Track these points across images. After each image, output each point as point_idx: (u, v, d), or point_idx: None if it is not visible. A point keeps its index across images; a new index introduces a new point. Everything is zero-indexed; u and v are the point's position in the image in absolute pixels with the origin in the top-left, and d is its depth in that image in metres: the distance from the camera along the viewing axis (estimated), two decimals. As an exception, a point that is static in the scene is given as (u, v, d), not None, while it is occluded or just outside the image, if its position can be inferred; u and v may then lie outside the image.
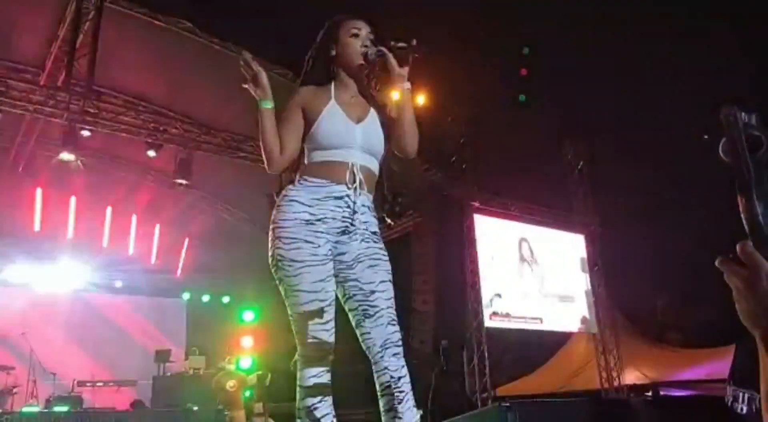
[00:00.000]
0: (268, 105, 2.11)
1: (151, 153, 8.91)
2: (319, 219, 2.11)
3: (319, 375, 2.04)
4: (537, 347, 11.75)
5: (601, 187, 11.43)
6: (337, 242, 2.14)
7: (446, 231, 10.51)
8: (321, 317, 2.03)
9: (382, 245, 2.25)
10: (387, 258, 2.23)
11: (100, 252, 11.66)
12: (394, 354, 2.11)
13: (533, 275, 10.52)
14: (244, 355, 10.84)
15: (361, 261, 2.17)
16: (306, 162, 2.20)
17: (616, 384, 10.93)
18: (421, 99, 8.57)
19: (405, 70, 2.17)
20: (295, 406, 2.09)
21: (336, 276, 2.14)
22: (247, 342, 11.51)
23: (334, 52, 2.25)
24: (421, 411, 2.31)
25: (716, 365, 8.97)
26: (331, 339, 2.06)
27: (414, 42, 2.16)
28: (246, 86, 2.11)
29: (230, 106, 9.33)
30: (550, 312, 10.45)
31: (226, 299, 12.90)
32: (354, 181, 2.15)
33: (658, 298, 12.88)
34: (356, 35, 2.23)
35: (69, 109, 7.85)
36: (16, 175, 10.07)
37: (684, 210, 9.97)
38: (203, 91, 9.71)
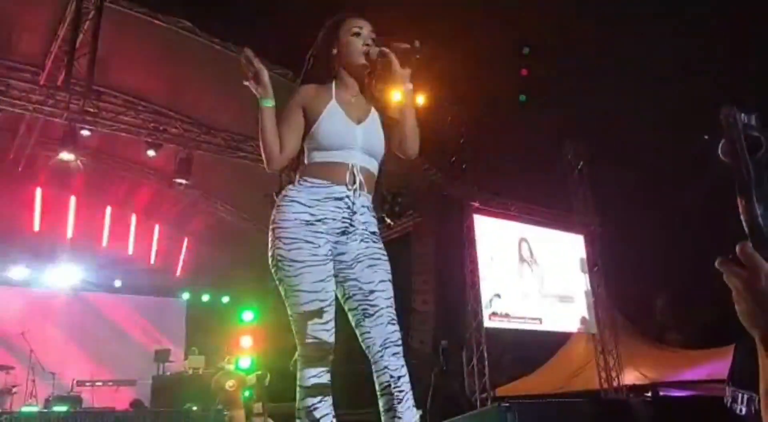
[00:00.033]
0: (269, 103, 2.10)
1: (151, 152, 8.91)
2: (319, 220, 2.10)
3: (319, 375, 2.04)
4: (536, 347, 11.74)
5: (601, 187, 11.44)
6: (336, 242, 2.14)
7: (446, 231, 10.51)
8: (321, 317, 2.03)
9: (381, 245, 2.24)
10: (386, 258, 2.23)
11: (99, 252, 11.68)
12: (394, 354, 2.11)
13: (533, 275, 10.52)
14: (244, 355, 10.84)
15: (360, 261, 2.17)
16: (306, 162, 2.20)
17: (615, 384, 10.93)
18: (421, 99, 8.57)
19: (407, 71, 2.16)
20: (295, 406, 2.08)
21: (336, 276, 2.14)
22: (247, 342, 11.51)
23: (335, 51, 2.24)
24: (420, 411, 2.31)
25: (715, 365, 8.97)
26: (331, 339, 2.06)
27: (417, 43, 2.15)
28: (247, 84, 2.10)
29: (230, 105, 9.34)
30: (550, 312, 10.45)
31: (225, 299, 12.91)
32: (354, 183, 2.14)
33: (657, 299, 12.88)
34: (358, 34, 2.22)
35: (69, 109, 7.86)
36: (15, 175, 10.07)
37: (684, 210, 9.97)
38: (203, 91, 9.71)
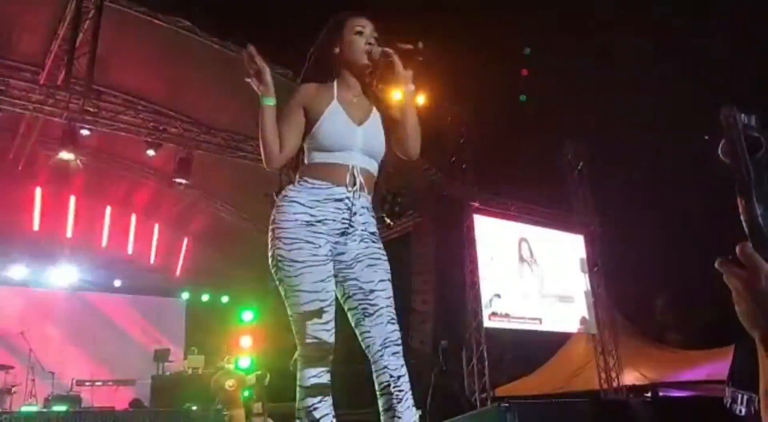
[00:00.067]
0: (270, 102, 2.09)
1: (151, 152, 8.90)
2: (319, 221, 2.10)
3: (319, 375, 2.04)
4: (536, 347, 11.75)
5: (601, 187, 11.45)
6: (336, 243, 2.14)
7: (446, 231, 10.51)
8: (322, 317, 2.03)
9: (380, 245, 2.24)
10: (386, 257, 2.23)
11: (99, 252, 11.67)
12: (394, 353, 2.11)
13: (533, 275, 10.52)
14: (243, 355, 10.83)
15: (360, 261, 2.17)
16: (306, 162, 2.19)
17: (615, 384, 10.93)
18: (421, 99, 8.57)
19: (409, 72, 2.15)
20: (295, 406, 2.08)
21: (335, 276, 2.14)
22: (246, 341, 11.51)
23: (337, 50, 2.22)
24: (420, 412, 2.30)
25: (715, 366, 8.98)
26: (332, 339, 2.06)
27: (420, 44, 2.13)
28: (248, 80, 2.08)
29: (230, 105, 9.33)
30: (550, 312, 10.45)
31: (225, 299, 12.90)
32: (354, 184, 2.14)
33: (657, 299, 12.89)
34: (360, 33, 2.21)
35: (68, 108, 7.85)
36: (15, 174, 10.06)
37: (683, 211, 9.98)
38: (203, 91, 9.71)
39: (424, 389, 6.99)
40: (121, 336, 11.54)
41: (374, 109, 2.26)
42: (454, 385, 9.20)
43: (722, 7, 7.40)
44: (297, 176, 2.20)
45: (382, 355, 2.09)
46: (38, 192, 10.95)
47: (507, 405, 4.00)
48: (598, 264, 11.48)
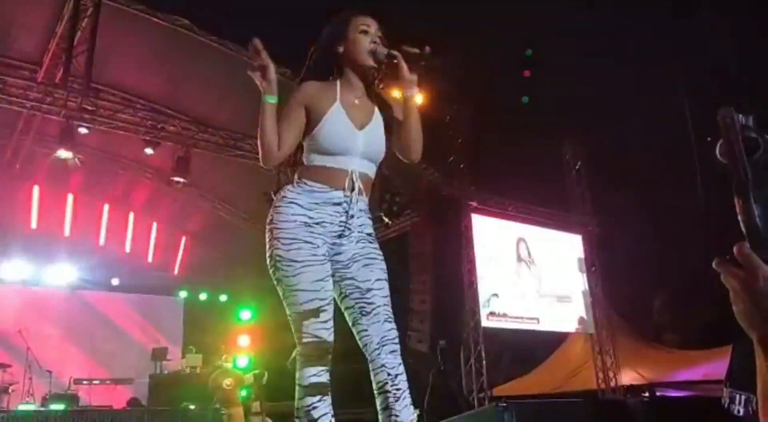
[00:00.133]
0: (272, 100, 2.06)
1: (149, 150, 8.89)
2: (317, 223, 2.11)
3: (318, 374, 2.04)
4: (534, 347, 11.77)
5: (599, 187, 11.46)
6: (333, 244, 2.15)
7: (444, 231, 10.52)
8: (321, 316, 2.03)
9: (377, 245, 2.25)
10: (382, 257, 2.24)
11: (96, 250, 11.66)
12: (392, 352, 2.11)
13: (531, 275, 10.53)
14: (241, 354, 10.84)
15: (357, 261, 2.18)
16: (305, 162, 2.19)
17: (612, 384, 10.95)
18: (420, 98, 8.57)
19: (414, 76, 2.12)
20: (293, 405, 2.08)
21: (332, 275, 2.14)
22: (244, 340, 11.51)
23: (341, 49, 2.19)
24: (417, 411, 2.30)
25: (713, 366, 9.00)
26: (331, 337, 2.06)
27: (427, 49, 2.10)
28: (251, 74, 2.05)
29: (228, 103, 9.34)
30: (548, 312, 10.46)
31: (223, 297, 12.89)
32: (353, 189, 2.14)
33: (655, 299, 12.90)
34: (365, 32, 2.18)
35: (66, 106, 7.84)
36: (12, 173, 10.04)
37: (681, 211, 9.99)
38: (201, 89, 9.71)
39: (422, 389, 6.99)
40: (119, 335, 11.52)
41: (376, 111, 2.24)
42: (452, 385, 9.20)
43: (722, 6, 7.41)
44: (296, 177, 2.19)
45: (379, 354, 2.10)
46: (36, 190, 10.93)
47: (505, 404, 4.00)
48: (595, 264, 11.50)
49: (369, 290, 2.15)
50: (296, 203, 2.11)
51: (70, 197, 11.33)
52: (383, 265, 2.22)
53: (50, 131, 8.82)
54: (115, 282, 11.82)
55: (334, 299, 2.14)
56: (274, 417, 8.29)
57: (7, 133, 9.44)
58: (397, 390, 2.07)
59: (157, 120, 8.92)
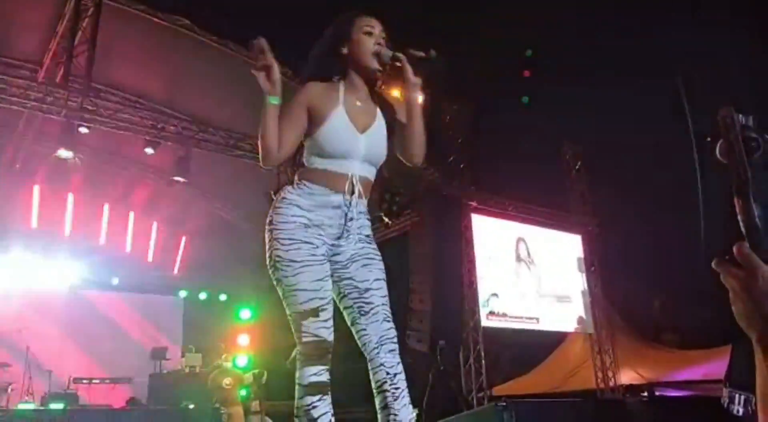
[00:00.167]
0: (275, 101, 2.05)
1: (149, 150, 8.89)
2: (316, 225, 2.12)
3: (318, 373, 2.04)
4: (533, 347, 11.75)
5: (599, 187, 11.45)
6: (332, 245, 2.16)
7: (444, 230, 10.52)
8: (321, 315, 2.04)
9: (375, 246, 2.26)
10: (380, 258, 2.24)
11: (97, 249, 11.65)
12: (390, 351, 2.12)
13: (530, 275, 10.53)
14: (241, 353, 10.83)
15: (355, 261, 2.18)
16: (305, 164, 2.18)
17: (612, 384, 10.95)
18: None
19: (418, 80, 2.11)
20: (293, 404, 2.08)
21: (331, 275, 2.14)
22: (244, 340, 11.49)
23: (345, 50, 2.18)
24: (417, 410, 2.30)
25: (712, 366, 9.00)
26: (331, 337, 2.06)
27: (433, 53, 2.09)
28: (254, 73, 2.03)
29: (229, 103, 9.33)
30: (547, 312, 10.46)
31: (223, 297, 12.88)
32: (353, 193, 2.14)
33: (654, 299, 12.89)
34: (369, 33, 2.16)
35: (67, 106, 7.83)
36: (13, 172, 10.04)
37: (681, 210, 9.99)
38: (202, 89, 9.70)
39: (422, 388, 7.00)
40: (119, 334, 11.52)
41: (378, 113, 2.23)
42: (452, 384, 9.21)
43: (722, 6, 7.41)
44: (296, 177, 2.20)
45: (378, 353, 2.10)
46: (36, 189, 10.93)
47: (504, 404, 4.01)
48: (595, 264, 11.50)
49: (367, 290, 2.16)
50: (296, 205, 2.11)
51: (70, 196, 11.33)
52: (381, 265, 2.23)
53: (51, 131, 8.81)
54: (115, 281, 11.82)
55: (334, 299, 2.15)
56: (274, 416, 8.29)
57: (7, 133, 9.44)
58: (396, 389, 2.08)
59: (158, 120, 8.91)
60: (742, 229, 0.85)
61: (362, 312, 2.14)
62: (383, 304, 2.17)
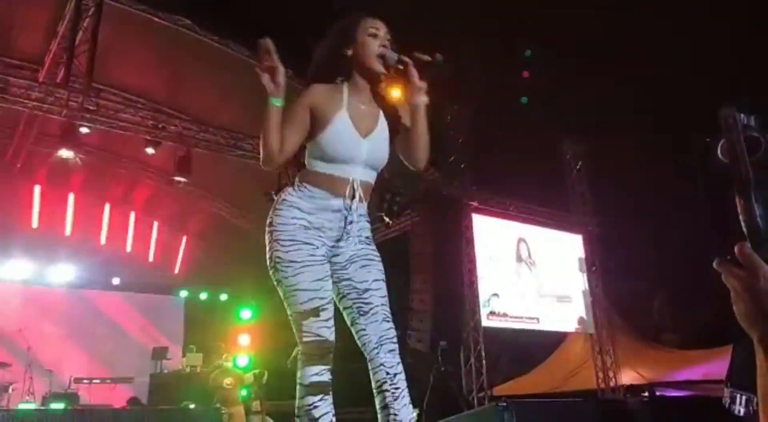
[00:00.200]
0: (279, 103, 2.03)
1: (150, 150, 8.89)
2: (316, 228, 2.12)
3: (320, 373, 2.04)
4: (534, 347, 11.76)
5: (600, 187, 11.45)
6: (332, 246, 2.16)
7: (444, 230, 10.51)
8: (322, 315, 2.04)
9: (374, 247, 2.26)
10: (379, 259, 2.25)
11: (98, 249, 11.66)
12: (390, 351, 2.12)
13: (531, 275, 10.53)
14: (242, 353, 10.83)
15: (354, 262, 2.18)
16: (307, 166, 2.18)
17: (612, 384, 10.94)
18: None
19: (424, 84, 2.09)
20: (294, 404, 2.08)
21: (330, 276, 2.14)
22: (245, 339, 11.50)
23: (350, 52, 2.15)
24: (417, 410, 2.30)
25: (713, 366, 8.99)
26: (332, 336, 2.06)
27: (438, 57, 2.07)
28: (258, 72, 2.01)
29: (230, 103, 9.34)
30: (548, 312, 10.46)
31: (223, 297, 12.89)
32: (353, 197, 2.14)
33: (655, 299, 12.90)
34: (374, 35, 2.14)
35: (68, 106, 7.83)
36: (14, 172, 10.05)
37: (682, 211, 10.00)
38: (202, 89, 9.71)
39: (422, 388, 6.99)
40: (120, 334, 11.53)
41: (381, 117, 2.21)
42: (452, 384, 9.21)
43: (722, 6, 7.41)
44: (296, 179, 2.19)
45: (378, 353, 2.10)
46: (37, 189, 10.94)
47: (505, 404, 4.00)
48: (596, 264, 11.49)
49: (366, 290, 2.16)
50: (296, 207, 2.12)
51: (71, 196, 11.34)
52: (380, 266, 2.23)
53: (51, 131, 8.82)
54: (115, 281, 11.82)
55: (334, 300, 2.15)
56: (275, 416, 8.29)
57: (8, 133, 9.45)
58: (396, 389, 2.07)
59: (159, 119, 8.91)
60: (744, 229, 0.85)
61: (361, 313, 2.14)
62: (382, 304, 2.17)
